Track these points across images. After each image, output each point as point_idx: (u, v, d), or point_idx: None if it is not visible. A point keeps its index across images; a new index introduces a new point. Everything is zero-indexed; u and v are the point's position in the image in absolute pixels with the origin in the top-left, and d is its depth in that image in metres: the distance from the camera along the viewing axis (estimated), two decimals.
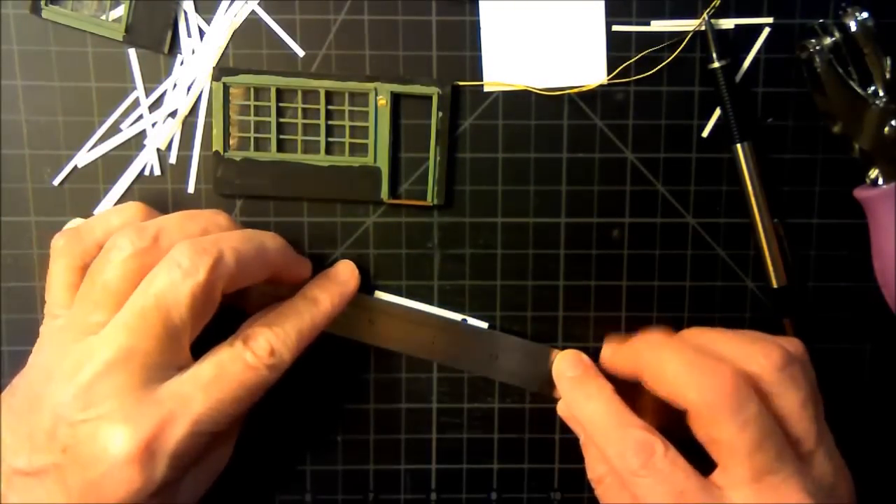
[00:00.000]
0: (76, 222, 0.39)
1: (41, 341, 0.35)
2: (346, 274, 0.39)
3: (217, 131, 0.39)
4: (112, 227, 0.36)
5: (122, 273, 0.33)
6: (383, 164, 0.39)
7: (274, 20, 0.39)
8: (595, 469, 0.37)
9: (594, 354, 0.40)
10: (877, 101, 0.38)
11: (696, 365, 0.33)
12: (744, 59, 0.39)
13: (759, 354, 0.34)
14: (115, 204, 0.40)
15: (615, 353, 0.38)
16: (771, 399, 0.33)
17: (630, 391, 0.37)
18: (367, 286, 0.41)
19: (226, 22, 0.39)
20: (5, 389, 0.35)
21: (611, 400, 0.36)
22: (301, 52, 0.39)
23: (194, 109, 0.40)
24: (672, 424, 0.34)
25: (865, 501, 0.36)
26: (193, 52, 0.39)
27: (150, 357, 0.32)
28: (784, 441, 0.32)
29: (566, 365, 0.38)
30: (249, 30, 0.39)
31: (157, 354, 0.33)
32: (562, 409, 0.39)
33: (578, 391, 0.37)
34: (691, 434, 0.34)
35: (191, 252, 0.33)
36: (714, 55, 0.38)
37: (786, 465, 0.32)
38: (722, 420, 0.32)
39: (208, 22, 0.39)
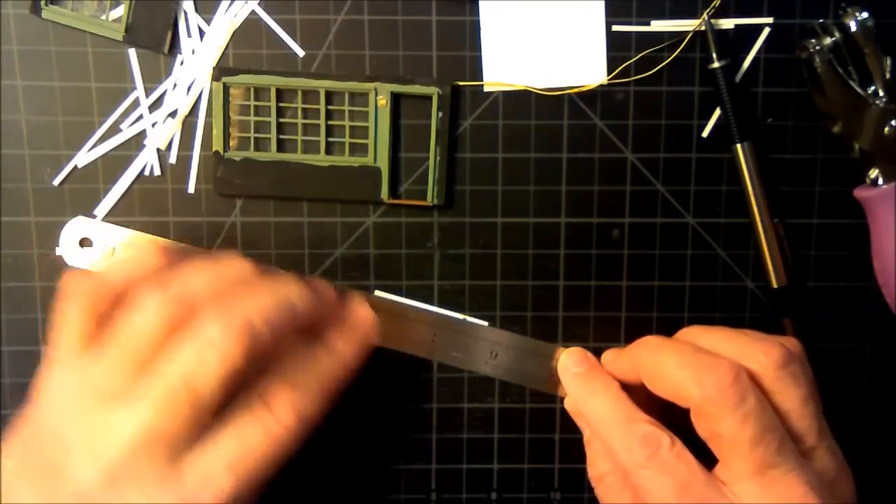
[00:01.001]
0: (78, 221, 0.39)
1: (48, 389, 0.33)
2: (365, 318, 0.37)
3: (217, 131, 0.39)
4: (131, 275, 0.34)
5: (148, 339, 0.31)
6: (383, 164, 0.39)
7: (274, 20, 0.39)
8: (597, 466, 0.37)
9: (594, 354, 0.40)
10: (877, 101, 0.38)
11: (695, 361, 0.34)
12: (744, 59, 0.39)
13: (760, 353, 0.34)
14: (115, 204, 0.40)
15: (614, 359, 0.38)
16: (772, 396, 0.33)
17: (633, 391, 0.37)
18: (367, 286, 0.41)
19: (226, 22, 0.39)
20: (7, 441, 0.33)
21: (617, 396, 0.36)
22: (301, 52, 0.39)
23: (194, 109, 0.40)
24: (674, 424, 0.34)
25: (865, 501, 0.36)
26: (193, 52, 0.39)
27: (176, 436, 0.31)
28: (785, 435, 0.33)
29: (571, 362, 0.39)
30: (249, 30, 0.39)
31: (184, 432, 0.31)
32: (569, 405, 0.39)
33: (584, 387, 0.37)
34: (693, 433, 0.34)
35: (222, 328, 0.31)
36: (714, 55, 0.38)
37: (787, 458, 0.32)
38: (723, 414, 0.32)
39: (208, 22, 0.39)
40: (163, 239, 0.39)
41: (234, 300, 0.33)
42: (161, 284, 0.33)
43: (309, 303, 0.34)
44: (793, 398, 0.33)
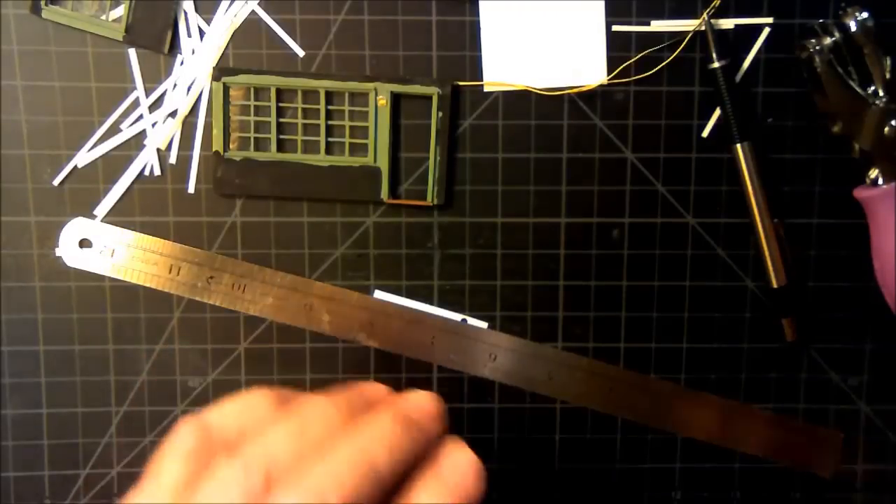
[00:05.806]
0: (78, 222, 0.39)
1: None
2: (471, 478, 0.33)
3: (217, 131, 0.39)
4: (245, 428, 0.34)
5: None
6: (383, 164, 0.40)
7: (274, 20, 0.39)
8: None
9: (594, 354, 0.40)
10: (877, 101, 0.38)
11: None
12: (744, 59, 0.39)
13: None
14: (115, 204, 0.40)
15: None
16: None
17: None
18: (367, 286, 0.41)
19: (226, 22, 0.39)
20: None
21: None
22: (301, 52, 0.39)
23: (194, 109, 0.40)
24: None
25: (867, 501, 0.36)
26: (193, 52, 0.39)
27: None
28: None
29: None
30: (249, 30, 0.39)
31: None
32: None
33: None
34: None
35: None
36: (714, 55, 0.38)
37: None
38: None
39: (208, 22, 0.39)
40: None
41: (314, 473, 0.32)
42: (244, 459, 0.32)
43: (398, 460, 0.33)
44: None
